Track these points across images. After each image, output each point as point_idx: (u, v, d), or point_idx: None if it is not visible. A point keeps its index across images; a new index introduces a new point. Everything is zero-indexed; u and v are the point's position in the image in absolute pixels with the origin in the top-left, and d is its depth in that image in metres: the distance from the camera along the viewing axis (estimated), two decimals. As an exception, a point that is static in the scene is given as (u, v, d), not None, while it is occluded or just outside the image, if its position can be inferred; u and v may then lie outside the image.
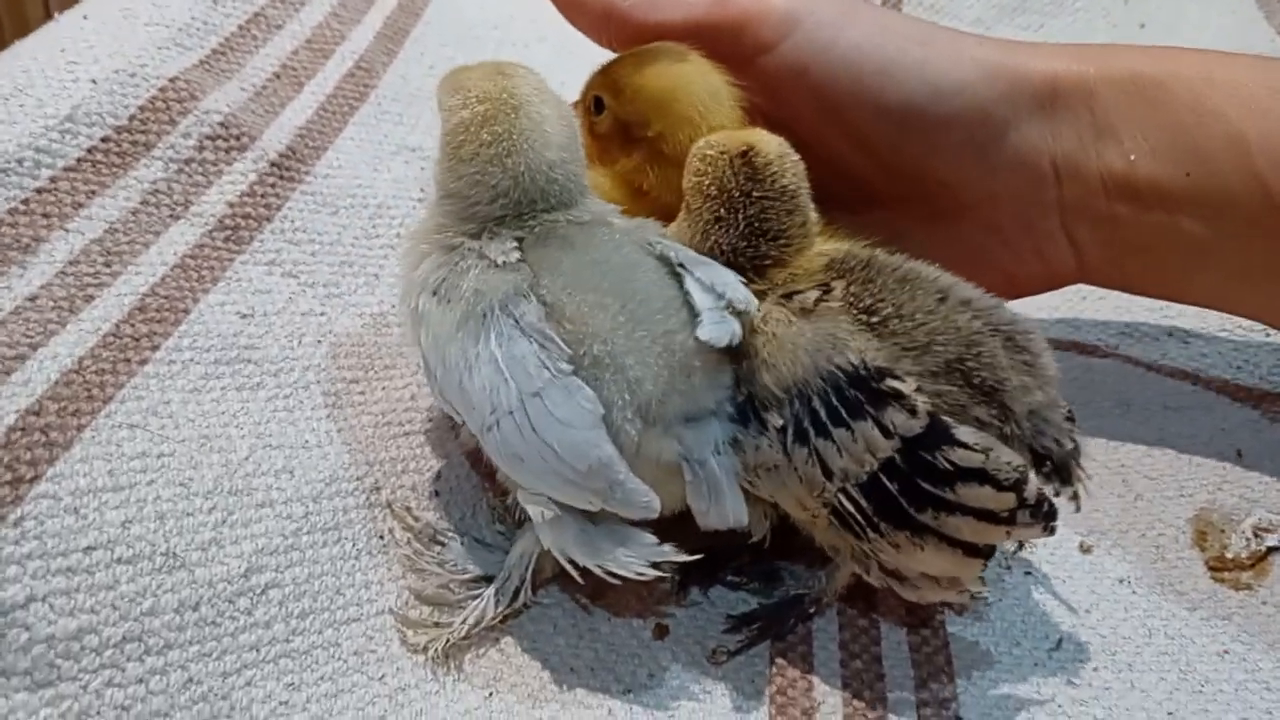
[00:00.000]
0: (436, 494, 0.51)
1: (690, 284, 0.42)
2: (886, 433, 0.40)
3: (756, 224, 0.45)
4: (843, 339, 0.41)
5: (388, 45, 0.72)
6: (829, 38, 0.50)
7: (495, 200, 0.44)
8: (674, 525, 0.43)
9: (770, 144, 0.45)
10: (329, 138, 0.62)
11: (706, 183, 0.45)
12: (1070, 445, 0.44)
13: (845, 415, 0.40)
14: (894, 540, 0.41)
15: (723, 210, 0.45)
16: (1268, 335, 0.63)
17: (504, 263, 0.42)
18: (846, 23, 0.51)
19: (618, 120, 0.50)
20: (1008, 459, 0.40)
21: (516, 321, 0.40)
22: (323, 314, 0.54)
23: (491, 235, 0.43)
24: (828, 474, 0.41)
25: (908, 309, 0.43)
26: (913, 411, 0.40)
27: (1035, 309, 0.68)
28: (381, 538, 0.47)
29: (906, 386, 0.40)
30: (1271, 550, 0.52)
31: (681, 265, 0.43)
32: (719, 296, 0.41)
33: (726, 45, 0.50)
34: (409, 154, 0.66)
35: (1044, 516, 0.41)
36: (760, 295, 0.44)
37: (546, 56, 0.84)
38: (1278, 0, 0.87)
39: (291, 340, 0.52)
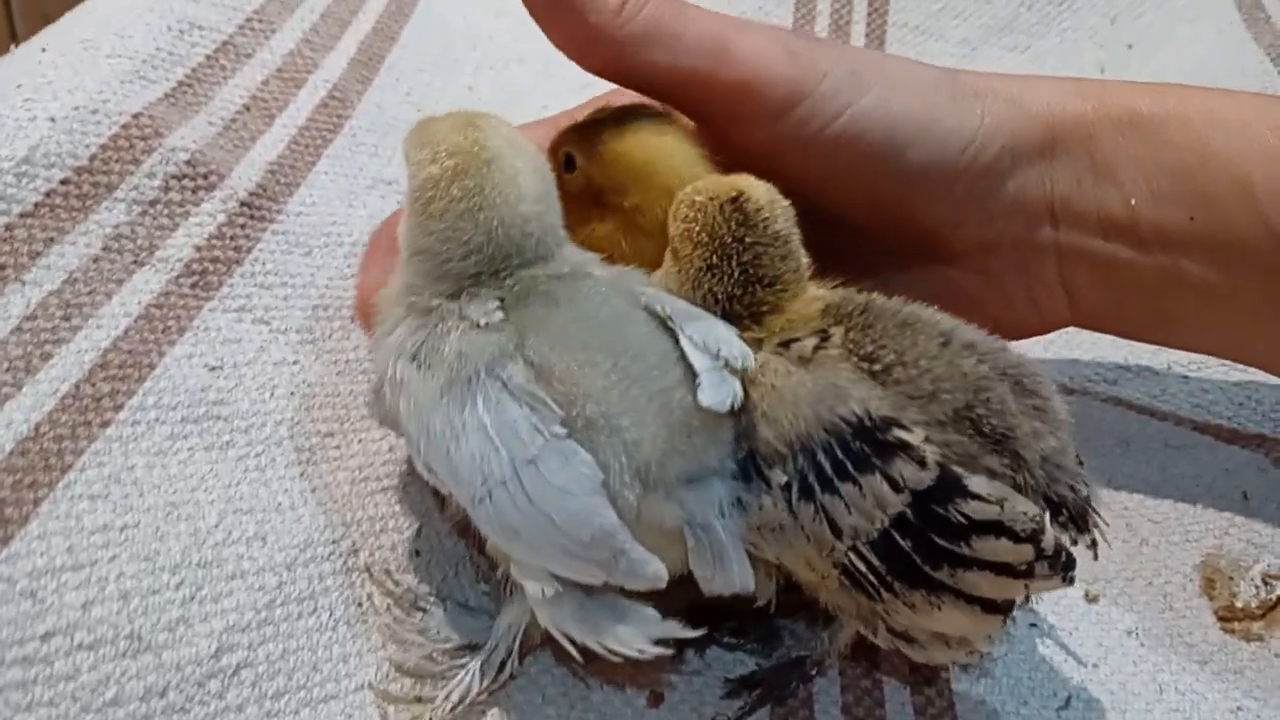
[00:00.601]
0: (417, 553, 0.48)
1: (685, 343, 0.40)
2: (896, 487, 0.38)
3: (751, 270, 0.43)
4: (844, 388, 0.40)
5: (362, 72, 0.69)
6: (837, 110, 0.47)
7: (468, 256, 0.41)
8: (670, 584, 0.41)
9: (759, 189, 0.44)
10: (301, 173, 0.59)
11: (696, 229, 0.43)
12: (1085, 491, 0.42)
13: (852, 469, 0.38)
14: (909, 600, 0.39)
15: (715, 258, 0.43)
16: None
17: (486, 324, 0.40)
18: (855, 91, 0.48)
19: (591, 183, 0.47)
20: (1023, 509, 0.39)
21: (504, 384, 0.38)
22: (295, 363, 0.52)
23: (471, 295, 0.41)
24: (836, 532, 0.39)
25: (910, 355, 0.41)
26: (922, 463, 0.38)
27: (1032, 342, 0.66)
28: (360, 605, 0.45)
29: (914, 437, 0.39)
30: (1282, 599, 0.51)
31: (671, 319, 0.41)
32: (715, 356, 0.39)
33: (718, 105, 0.47)
34: (385, 188, 0.64)
35: (1062, 567, 0.39)
36: (756, 344, 0.42)
37: (527, 79, 0.82)
38: (1265, 21, 0.86)
39: (263, 393, 0.49)
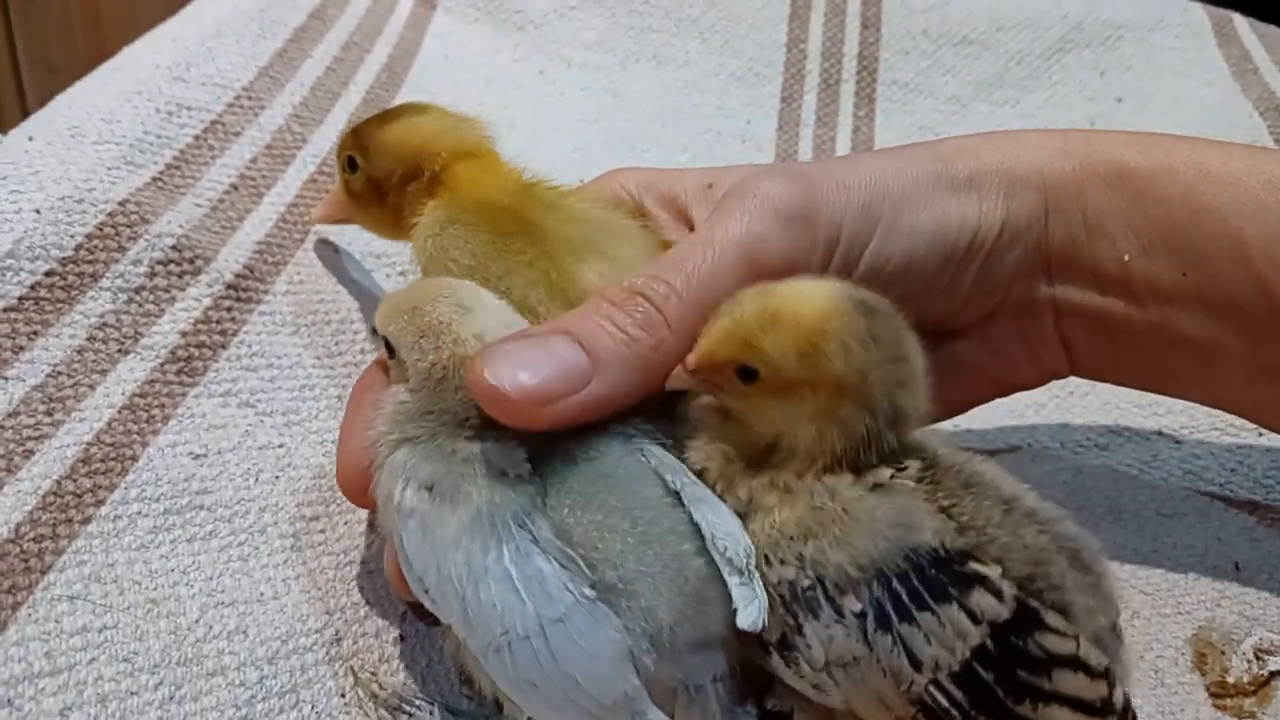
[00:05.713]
0: (402, 639, 0.48)
1: (713, 551, 0.39)
2: (974, 618, 0.37)
3: (900, 399, 0.40)
4: (920, 517, 0.39)
5: (352, 144, 0.70)
6: (854, 257, 0.47)
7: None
8: None
9: (858, 290, 0.40)
10: (289, 251, 0.60)
11: (840, 365, 0.38)
12: (1122, 675, 0.41)
13: (929, 599, 0.37)
14: None
15: (863, 394, 0.39)
16: (1260, 434, 0.62)
17: (515, 475, 0.39)
18: (868, 227, 0.47)
19: (370, 178, 0.52)
20: (1091, 649, 0.38)
21: (534, 537, 0.38)
22: (281, 445, 0.52)
23: (496, 440, 0.40)
24: (916, 665, 0.37)
25: (979, 521, 0.40)
26: (999, 595, 0.38)
27: (1024, 406, 0.66)
28: (343, 695, 0.45)
29: (990, 570, 0.38)
30: (1274, 675, 0.50)
31: (684, 498, 0.40)
32: (740, 572, 0.38)
33: None
34: (374, 261, 0.64)
35: None
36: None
37: (519, 143, 0.82)
38: (1253, 73, 0.86)
39: (247, 479, 0.49)
